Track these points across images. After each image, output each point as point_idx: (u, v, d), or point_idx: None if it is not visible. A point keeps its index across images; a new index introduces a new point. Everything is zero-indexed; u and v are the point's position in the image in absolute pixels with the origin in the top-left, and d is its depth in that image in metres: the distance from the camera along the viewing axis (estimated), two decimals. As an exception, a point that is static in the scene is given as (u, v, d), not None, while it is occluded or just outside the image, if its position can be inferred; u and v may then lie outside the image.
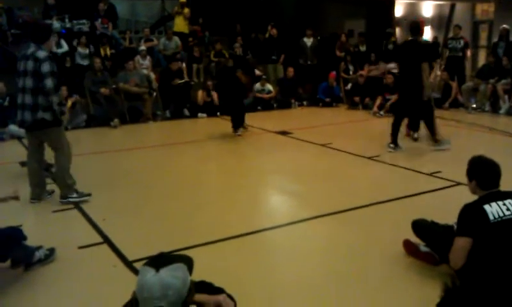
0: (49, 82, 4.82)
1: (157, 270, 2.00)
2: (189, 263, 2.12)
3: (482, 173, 3.25)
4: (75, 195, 5.23)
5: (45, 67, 4.81)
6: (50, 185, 5.62)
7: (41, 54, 4.86)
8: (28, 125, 5.04)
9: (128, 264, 3.81)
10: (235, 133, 8.85)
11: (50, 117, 4.94)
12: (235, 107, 8.90)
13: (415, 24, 7.75)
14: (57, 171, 5.28)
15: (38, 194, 5.36)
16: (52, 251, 3.90)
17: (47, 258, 3.84)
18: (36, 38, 4.97)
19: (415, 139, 8.22)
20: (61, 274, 3.74)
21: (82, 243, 4.20)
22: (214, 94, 11.13)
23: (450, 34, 13.07)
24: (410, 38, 7.65)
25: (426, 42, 8.54)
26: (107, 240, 4.27)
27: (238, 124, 8.93)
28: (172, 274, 2.00)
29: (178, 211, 5.14)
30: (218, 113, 10.85)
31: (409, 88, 7.41)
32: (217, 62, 11.61)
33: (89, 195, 5.30)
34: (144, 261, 2.14)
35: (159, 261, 2.07)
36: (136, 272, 3.55)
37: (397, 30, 16.37)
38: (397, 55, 8.09)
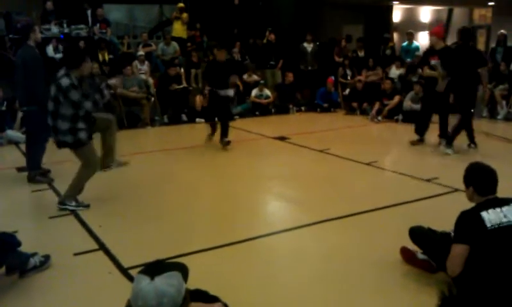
0: (87, 105, 4.96)
1: (152, 278, 1.99)
2: (184, 271, 2.11)
3: (479, 179, 3.25)
4: (73, 203, 5.20)
5: (73, 95, 4.89)
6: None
7: (65, 82, 4.90)
8: (57, 143, 5.18)
9: (124, 271, 3.79)
10: (223, 144, 8.11)
11: (71, 140, 5.03)
12: (223, 111, 8.23)
13: (467, 30, 7.92)
14: (74, 179, 5.24)
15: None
16: (47, 258, 3.88)
17: (42, 264, 3.81)
18: (67, 62, 5.09)
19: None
20: (56, 281, 3.71)
21: (77, 250, 4.17)
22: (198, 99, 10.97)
23: (454, 40, 13.03)
24: (462, 44, 7.72)
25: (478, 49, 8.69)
26: (102, 247, 4.25)
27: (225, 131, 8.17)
28: (167, 282, 1.99)
29: (175, 217, 5.11)
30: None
31: (463, 91, 7.56)
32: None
33: (87, 206, 5.26)
34: (139, 269, 2.13)
35: (154, 269, 2.06)
36: (131, 279, 3.53)
37: (395, 35, 16.42)
38: (451, 60, 7.77)
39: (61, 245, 4.34)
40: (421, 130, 8.37)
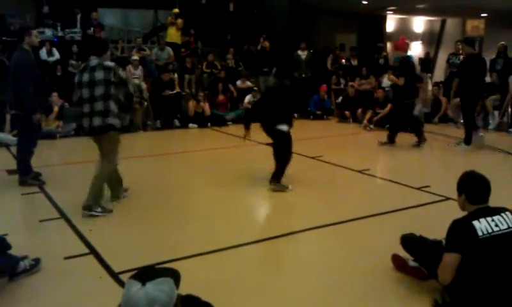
0: (130, 87, 5.29)
1: (143, 283, 1.97)
2: (175, 276, 2.09)
3: (472, 187, 3.26)
4: (99, 209, 5.15)
5: (121, 73, 5.20)
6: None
7: (110, 63, 5.18)
8: (97, 130, 5.14)
9: (115, 276, 3.76)
10: None
11: (119, 124, 5.19)
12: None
13: (472, 40, 8.63)
14: (97, 179, 5.22)
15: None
16: (37, 261, 3.85)
17: (32, 268, 3.78)
18: (96, 51, 5.22)
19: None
20: (46, 284, 3.69)
21: (68, 253, 4.14)
22: (206, 105, 11.17)
23: (451, 50, 13.11)
24: (474, 53, 8.65)
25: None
26: (93, 251, 4.22)
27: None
28: (158, 288, 1.97)
29: (167, 222, 5.10)
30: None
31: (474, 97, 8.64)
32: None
33: (110, 211, 5.23)
34: (130, 273, 2.11)
35: (145, 274, 2.04)
36: (122, 284, 3.51)
37: (388, 45, 16.52)
38: (464, 69, 8.89)
39: (52, 248, 4.32)
40: (392, 135, 8.93)
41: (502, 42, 12.34)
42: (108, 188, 5.49)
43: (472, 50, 8.98)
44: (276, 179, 6.16)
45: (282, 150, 6.23)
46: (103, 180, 5.26)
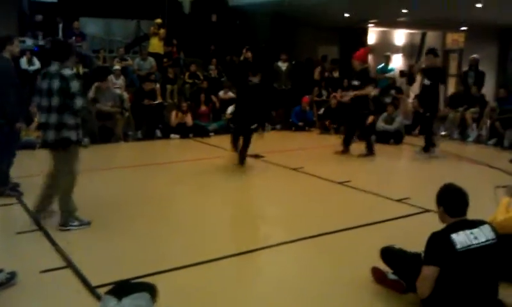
0: (79, 101, 4.85)
1: (119, 299, 1.95)
2: (152, 291, 2.07)
3: (450, 200, 3.30)
4: (76, 223, 5.05)
5: (75, 85, 4.82)
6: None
7: (68, 72, 4.86)
8: (51, 144, 4.96)
9: (92, 290, 3.70)
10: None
11: (75, 136, 4.93)
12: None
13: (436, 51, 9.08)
14: (60, 195, 5.08)
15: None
16: (13, 275, 3.77)
17: (7, 281, 3.70)
18: (57, 56, 4.97)
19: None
20: (21, 299, 3.61)
21: (44, 267, 4.06)
22: (188, 116, 11.13)
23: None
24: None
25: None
26: (70, 265, 4.15)
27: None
28: (134, 303, 1.95)
29: (147, 234, 5.04)
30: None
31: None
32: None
33: (88, 224, 5.13)
34: (108, 287, 2.08)
35: (121, 289, 2.03)
36: (99, 298, 3.43)
37: (369, 57, 16.67)
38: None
39: (28, 261, 4.23)
40: (347, 142, 9.25)
41: (474, 55, 12.57)
42: (40, 197, 5.24)
43: (432, 60, 9.06)
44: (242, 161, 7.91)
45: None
46: (67, 193, 5.07)
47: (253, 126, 7.91)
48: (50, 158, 5.18)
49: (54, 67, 4.92)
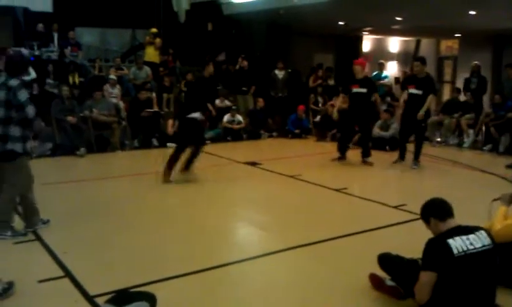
0: (31, 111, 4.76)
1: (118, 308, 1.95)
2: (151, 300, 2.08)
3: (434, 207, 3.39)
4: (9, 233, 4.98)
5: (22, 95, 4.73)
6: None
7: (14, 82, 4.76)
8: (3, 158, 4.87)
9: (90, 299, 3.68)
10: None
11: (21, 149, 4.84)
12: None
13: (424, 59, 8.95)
14: (1, 202, 4.99)
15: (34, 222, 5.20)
16: (10, 285, 3.76)
17: (5, 291, 3.69)
18: (9, 69, 4.88)
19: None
20: (19, 309, 3.61)
21: (42, 277, 4.06)
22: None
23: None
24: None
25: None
26: (68, 274, 4.14)
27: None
28: (134, 312, 1.95)
29: (144, 243, 5.03)
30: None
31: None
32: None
33: (24, 234, 5.05)
34: (106, 297, 2.09)
35: (120, 299, 2.04)
36: (98, 307, 3.45)
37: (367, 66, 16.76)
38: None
39: (26, 271, 4.22)
40: (343, 149, 9.29)
41: (476, 62, 12.64)
42: (23, 219, 5.21)
43: (420, 67, 8.66)
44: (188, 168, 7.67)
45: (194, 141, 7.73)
46: (7, 203, 4.98)
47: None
48: None
49: (1, 78, 4.84)
